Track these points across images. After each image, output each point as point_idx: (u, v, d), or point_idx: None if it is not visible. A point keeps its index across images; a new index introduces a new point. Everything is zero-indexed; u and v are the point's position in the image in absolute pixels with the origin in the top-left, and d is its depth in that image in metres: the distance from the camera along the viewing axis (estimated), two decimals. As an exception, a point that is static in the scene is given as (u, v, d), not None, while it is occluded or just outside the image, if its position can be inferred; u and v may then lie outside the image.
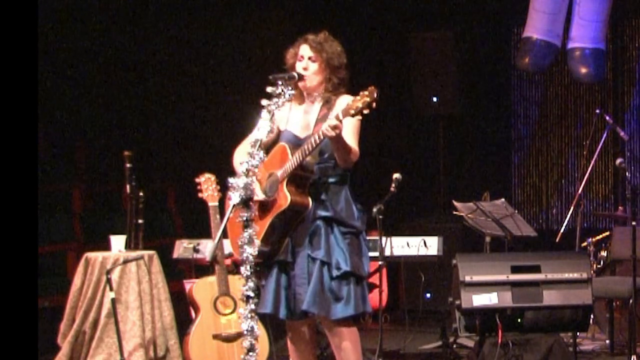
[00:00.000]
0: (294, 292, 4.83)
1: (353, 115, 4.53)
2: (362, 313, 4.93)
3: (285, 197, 4.74)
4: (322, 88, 4.93)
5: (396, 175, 6.43)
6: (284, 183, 4.77)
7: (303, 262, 4.80)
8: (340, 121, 4.56)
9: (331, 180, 4.88)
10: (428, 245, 7.19)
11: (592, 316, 6.96)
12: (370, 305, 4.94)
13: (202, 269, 7.14)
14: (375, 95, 4.47)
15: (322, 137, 4.64)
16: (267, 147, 4.92)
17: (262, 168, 4.84)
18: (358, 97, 4.52)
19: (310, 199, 4.80)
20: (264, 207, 4.84)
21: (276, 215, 4.77)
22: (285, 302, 4.85)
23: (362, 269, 4.86)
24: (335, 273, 4.77)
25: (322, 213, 4.81)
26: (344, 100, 4.70)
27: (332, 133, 4.57)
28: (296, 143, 4.83)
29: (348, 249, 4.80)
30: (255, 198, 4.76)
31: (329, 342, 5.04)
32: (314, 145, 4.69)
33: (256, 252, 4.65)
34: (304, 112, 4.98)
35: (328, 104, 4.88)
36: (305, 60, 4.91)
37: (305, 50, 4.93)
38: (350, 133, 4.79)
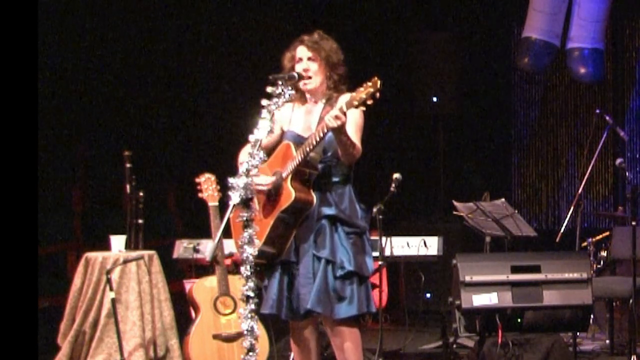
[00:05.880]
0: (297, 292, 4.82)
1: (357, 106, 4.53)
2: (364, 313, 4.93)
3: (290, 193, 4.74)
4: (323, 87, 4.94)
5: (396, 175, 6.44)
6: (289, 179, 4.77)
7: (308, 261, 4.80)
8: (344, 113, 4.56)
9: (335, 179, 4.88)
10: (428, 245, 7.19)
11: (592, 316, 6.96)
12: (374, 306, 4.93)
13: (202, 269, 7.14)
14: (378, 85, 4.47)
15: (325, 131, 4.64)
16: (271, 149, 4.93)
17: (266, 168, 4.84)
18: (361, 89, 4.52)
19: (314, 196, 4.80)
20: (269, 205, 4.84)
21: (281, 212, 4.77)
22: (287, 303, 4.85)
23: (366, 269, 4.86)
24: (339, 273, 4.77)
25: (327, 211, 4.81)
26: (346, 98, 4.69)
27: (334, 123, 4.55)
28: (299, 142, 4.83)
29: (352, 248, 4.81)
30: (260, 188, 4.76)
31: (329, 342, 5.04)
32: (318, 139, 4.68)
33: (256, 252, 4.65)
34: (306, 112, 4.98)
35: (330, 101, 4.88)
36: (305, 61, 4.91)
37: (302, 51, 4.93)
38: (352, 129, 4.79)
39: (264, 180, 4.80)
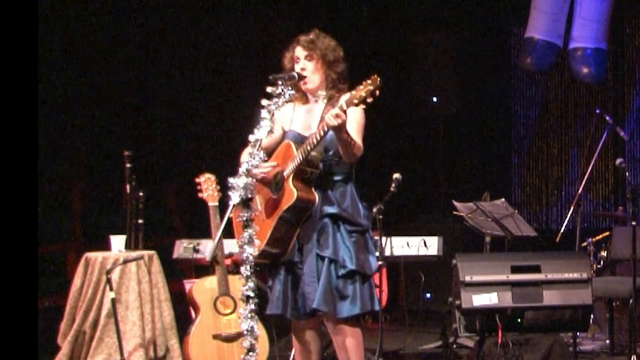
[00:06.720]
0: (302, 292, 4.81)
1: (357, 105, 4.53)
2: (369, 312, 4.92)
3: (292, 193, 4.73)
4: (323, 85, 4.93)
5: (396, 175, 6.44)
6: (290, 179, 4.77)
7: (312, 261, 4.79)
8: (345, 111, 4.55)
9: (336, 178, 4.88)
10: (428, 245, 7.19)
11: (592, 316, 6.96)
12: (378, 304, 4.92)
13: (202, 269, 7.14)
14: (378, 83, 4.47)
15: (326, 129, 4.63)
16: (272, 149, 4.92)
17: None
18: (361, 87, 4.52)
19: (316, 195, 4.80)
20: (271, 205, 4.84)
21: (284, 211, 4.76)
22: (292, 303, 4.85)
23: (369, 267, 4.85)
24: (341, 272, 4.77)
25: (329, 210, 4.81)
26: (347, 97, 4.68)
27: (335, 122, 4.55)
28: (300, 141, 4.82)
29: (354, 247, 4.80)
30: (261, 175, 4.74)
31: (329, 342, 5.04)
32: (319, 138, 4.68)
33: (257, 253, 4.65)
34: (307, 111, 4.98)
35: (331, 100, 4.88)
36: (302, 60, 4.92)
37: (299, 51, 4.94)
38: (354, 128, 4.78)
39: (265, 168, 4.78)
